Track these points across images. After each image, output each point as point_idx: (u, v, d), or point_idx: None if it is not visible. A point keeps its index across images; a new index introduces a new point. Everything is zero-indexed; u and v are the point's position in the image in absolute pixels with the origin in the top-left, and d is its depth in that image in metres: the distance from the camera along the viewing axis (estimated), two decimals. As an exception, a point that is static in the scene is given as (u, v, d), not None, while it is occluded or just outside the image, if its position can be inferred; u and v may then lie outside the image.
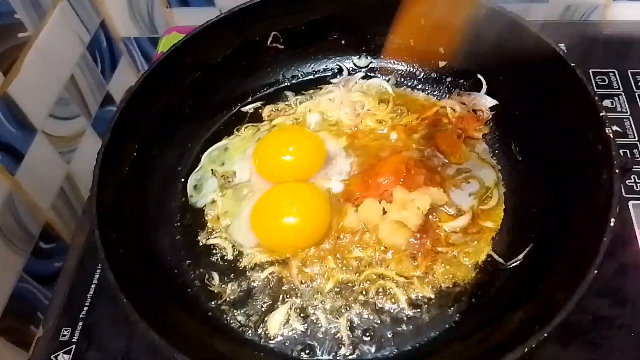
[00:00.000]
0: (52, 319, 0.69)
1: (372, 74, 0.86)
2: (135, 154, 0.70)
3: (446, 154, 0.74)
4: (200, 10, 1.05)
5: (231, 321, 0.64)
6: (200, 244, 0.71)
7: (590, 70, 0.84)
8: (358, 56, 0.86)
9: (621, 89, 0.83)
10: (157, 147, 0.74)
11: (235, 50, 0.81)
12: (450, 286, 0.64)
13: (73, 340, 0.66)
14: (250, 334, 0.62)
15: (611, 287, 0.66)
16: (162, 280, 0.65)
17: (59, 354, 0.66)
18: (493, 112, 0.77)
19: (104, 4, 1.07)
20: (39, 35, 0.89)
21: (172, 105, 0.76)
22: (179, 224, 0.73)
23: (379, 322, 0.62)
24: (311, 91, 0.85)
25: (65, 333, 0.66)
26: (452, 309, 0.63)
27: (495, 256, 0.66)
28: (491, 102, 0.78)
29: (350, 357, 0.61)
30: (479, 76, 0.79)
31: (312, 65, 0.87)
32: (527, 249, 0.64)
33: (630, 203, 0.72)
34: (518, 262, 0.64)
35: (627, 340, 0.62)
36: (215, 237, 0.71)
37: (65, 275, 0.73)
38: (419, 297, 0.64)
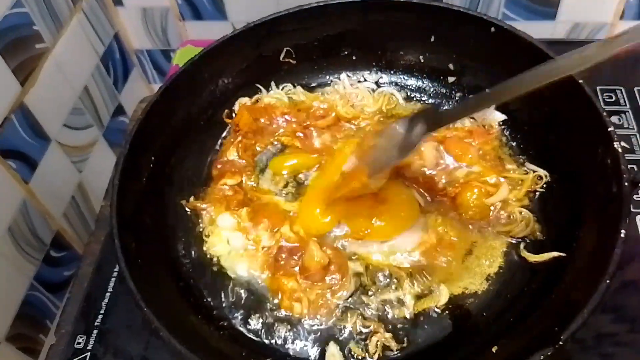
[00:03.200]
0: (66, 326, 0.69)
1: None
2: (152, 164, 0.70)
3: (457, 157, 0.75)
4: (213, 23, 1.07)
5: (248, 330, 0.64)
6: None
7: (598, 88, 0.86)
8: (369, 71, 0.88)
9: (628, 106, 0.85)
10: (174, 157, 0.75)
11: (250, 64, 0.82)
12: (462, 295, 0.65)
13: (88, 347, 0.66)
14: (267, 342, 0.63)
15: (616, 304, 0.66)
16: (181, 288, 0.66)
17: (74, 361, 0.66)
18: (502, 127, 0.78)
19: (118, 17, 1.09)
20: (56, 46, 0.91)
21: (188, 117, 0.77)
22: (196, 233, 0.73)
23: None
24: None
25: (80, 340, 0.67)
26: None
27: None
28: (500, 116, 0.79)
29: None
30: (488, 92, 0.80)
31: (323, 79, 0.88)
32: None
33: (638, 217, 0.73)
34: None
35: (632, 358, 0.63)
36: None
37: (79, 282, 0.73)
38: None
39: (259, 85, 0.84)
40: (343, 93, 0.85)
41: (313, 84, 0.87)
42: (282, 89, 0.86)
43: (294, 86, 0.86)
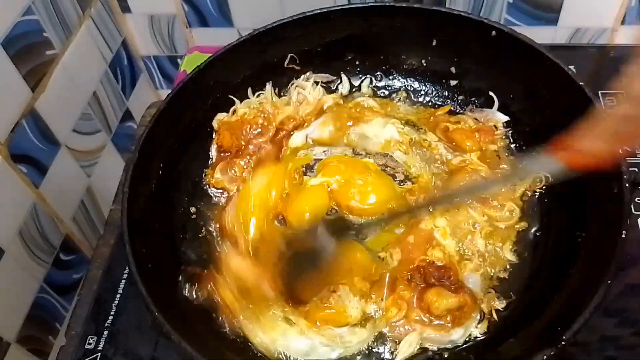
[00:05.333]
0: (77, 327, 0.70)
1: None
2: (160, 170, 0.71)
3: (459, 142, 0.77)
4: (219, 30, 1.08)
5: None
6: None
7: (599, 92, 0.86)
8: (372, 76, 0.88)
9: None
10: (182, 163, 0.76)
11: (255, 71, 0.83)
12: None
13: (99, 348, 0.67)
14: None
15: (620, 307, 0.66)
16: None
17: (85, 362, 0.67)
18: (505, 129, 0.79)
19: (126, 24, 1.10)
20: (65, 52, 0.92)
21: (194, 123, 0.78)
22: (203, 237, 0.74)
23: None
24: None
25: (91, 341, 0.68)
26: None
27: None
28: (503, 118, 0.80)
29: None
30: (491, 93, 0.81)
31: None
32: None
33: (639, 220, 0.73)
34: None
35: (634, 361, 0.63)
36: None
37: (89, 284, 0.75)
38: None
39: (232, 97, 0.82)
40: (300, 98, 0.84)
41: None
42: (257, 96, 0.84)
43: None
